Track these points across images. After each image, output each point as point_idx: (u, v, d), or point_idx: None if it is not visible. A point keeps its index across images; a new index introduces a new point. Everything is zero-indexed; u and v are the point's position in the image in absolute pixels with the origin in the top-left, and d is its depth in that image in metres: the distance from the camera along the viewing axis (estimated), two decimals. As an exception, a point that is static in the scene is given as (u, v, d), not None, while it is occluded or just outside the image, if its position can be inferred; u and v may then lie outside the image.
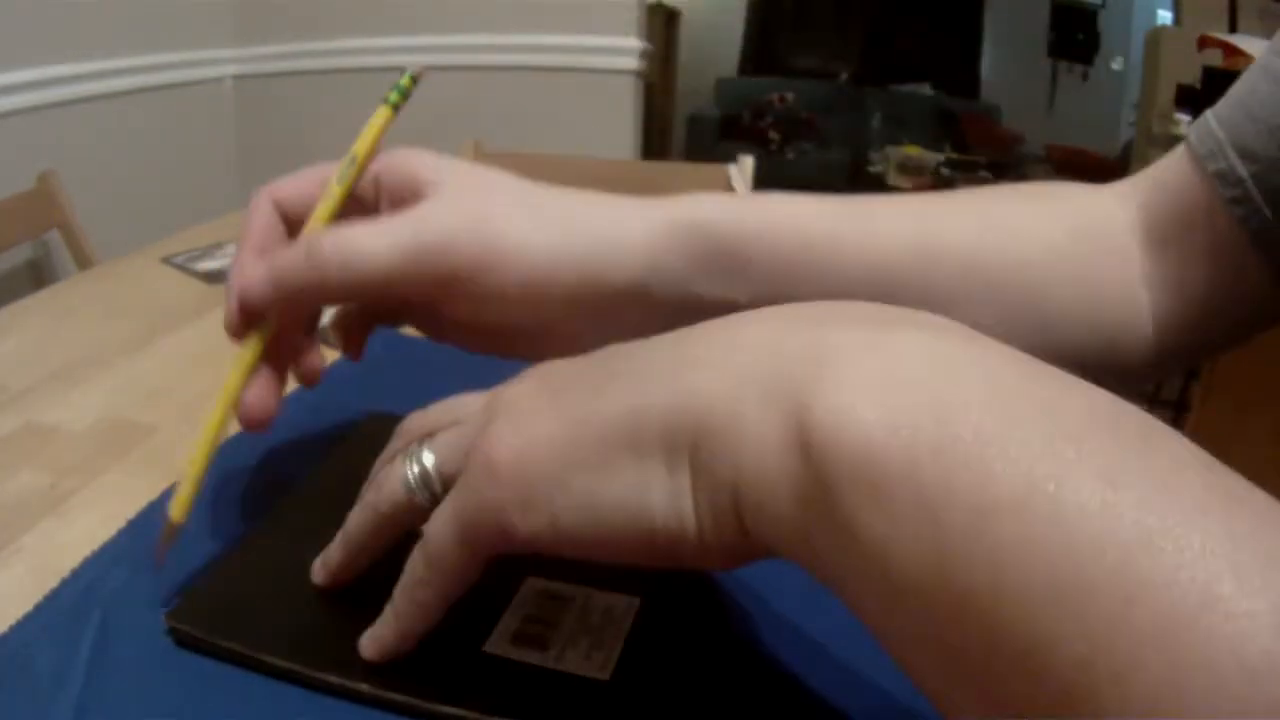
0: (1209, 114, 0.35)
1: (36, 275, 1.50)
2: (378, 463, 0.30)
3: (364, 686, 0.26)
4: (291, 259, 0.29)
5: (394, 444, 0.31)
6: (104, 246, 1.36)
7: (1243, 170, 0.33)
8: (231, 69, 1.96)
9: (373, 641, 0.27)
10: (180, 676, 0.27)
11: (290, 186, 0.32)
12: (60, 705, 0.25)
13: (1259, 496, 0.16)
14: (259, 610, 0.29)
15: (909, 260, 0.33)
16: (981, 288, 0.34)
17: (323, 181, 0.31)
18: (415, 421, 0.30)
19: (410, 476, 0.26)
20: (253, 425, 0.30)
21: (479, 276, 0.28)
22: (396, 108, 0.31)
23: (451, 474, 0.25)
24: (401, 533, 0.27)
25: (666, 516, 0.21)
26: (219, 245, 0.74)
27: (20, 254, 1.47)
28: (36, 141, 1.46)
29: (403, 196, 0.30)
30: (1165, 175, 0.36)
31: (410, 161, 0.31)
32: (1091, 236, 0.36)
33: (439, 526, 0.24)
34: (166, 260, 0.70)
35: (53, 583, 0.31)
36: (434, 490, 0.25)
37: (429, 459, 0.26)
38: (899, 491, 0.18)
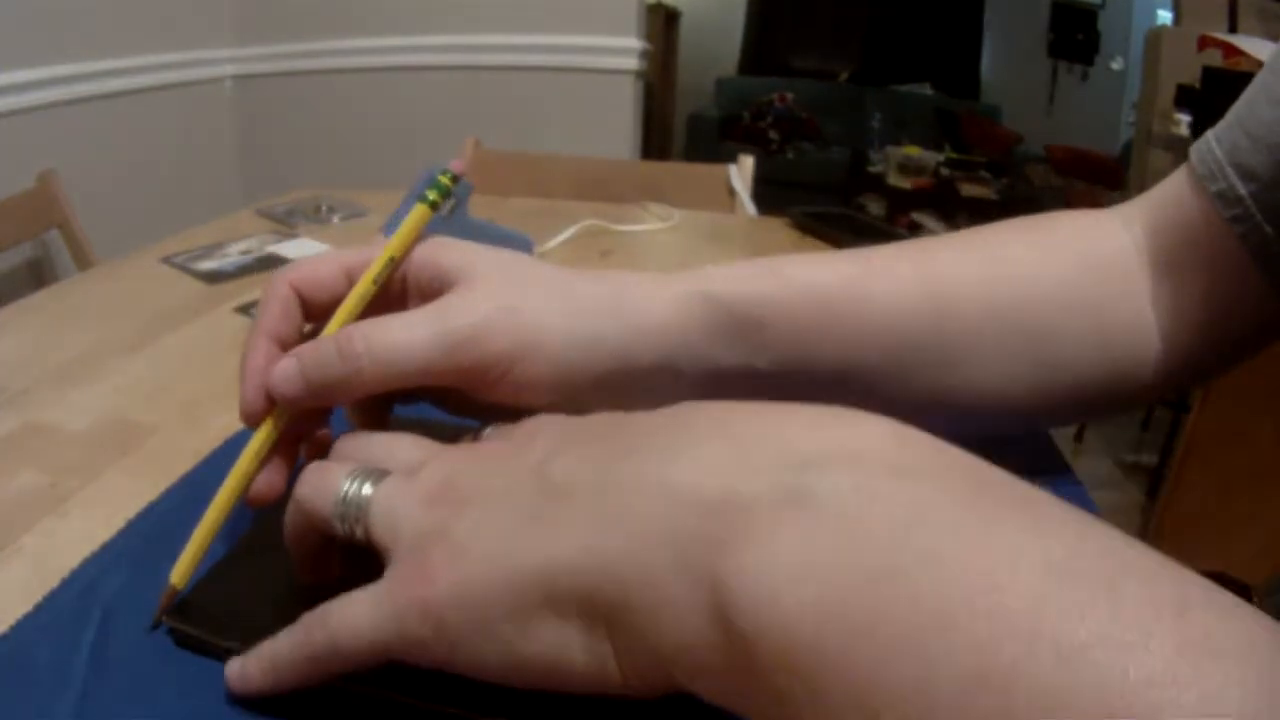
0: (1210, 135, 0.36)
1: (36, 275, 1.50)
2: (306, 470, 0.27)
3: (364, 686, 0.26)
4: (323, 354, 0.29)
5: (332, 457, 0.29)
6: (104, 246, 1.36)
7: (1242, 189, 0.33)
8: (231, 69, 1.96)
9: (240, 675, 0.25)
10: (179, 676, 0.27)
11: (309, 273, 0.31)
12: (60, 705, 0.25)
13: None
14: (258, 610, 0.29)
15: (924, 315, 0.34)
16: (994, 333, 0.35)
17: (343, 268, 0.31)
18: (356, 446, 0.28)
19: (343, 499, 0.25)
20: (259, 504, 0.30)
21: (512, 366, 0.29)
22: (434, 206, 0.31)
23: (378, 537, 0.24)
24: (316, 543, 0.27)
25: (588, 669, 0.21)
26: (219, 245, 0.74)
27: (20, 254, 1.47)
28: (36, 141, 1.46)
29: (431, 288, 0.31)
30: (1167, 196, 0.37)
31: (438, 253, 0.31)
32: (1098, 265, 0.37)
33: (356, 621, 0.23)
34: (166, 260, 0.70)
35: (53, 583, 0.31)
36: (354, 532, 0.25)
37: (366, 494, 0.25)
38: (833, 684, 0.17)
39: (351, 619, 0.23)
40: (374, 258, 0.30)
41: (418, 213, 0.31)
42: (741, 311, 0.32)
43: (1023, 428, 0.40)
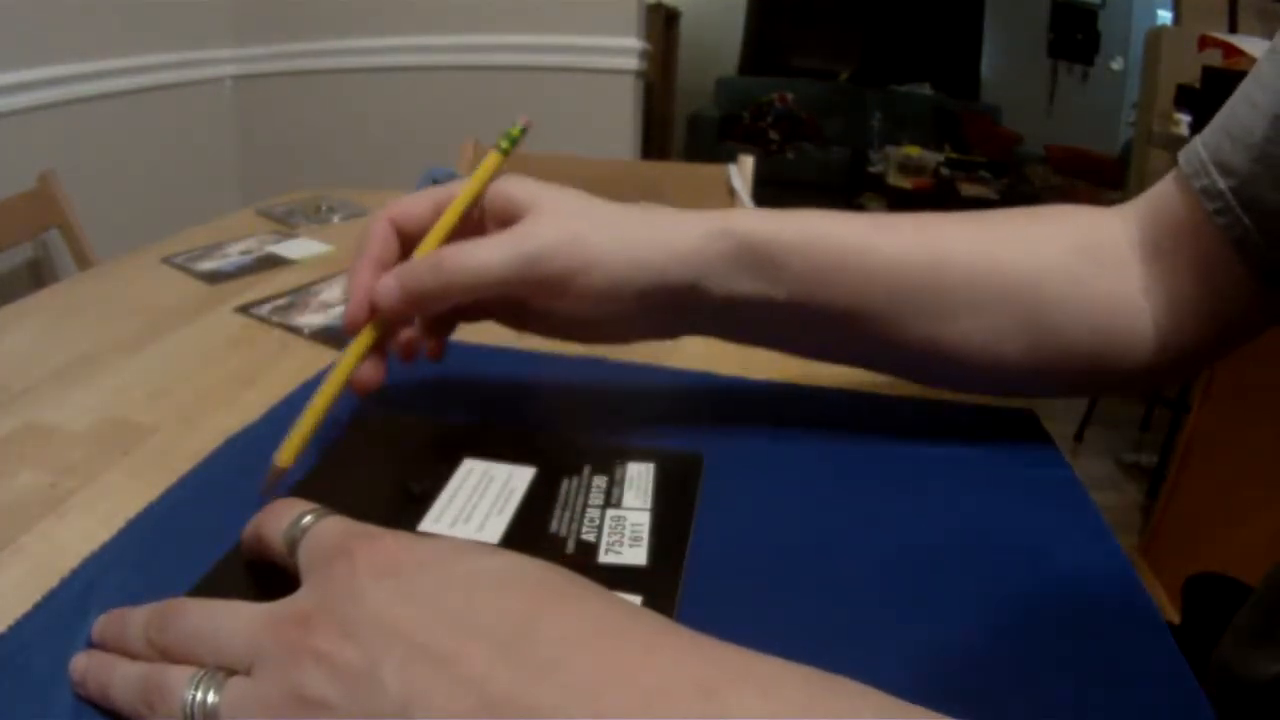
0: (1197, 138, 0.39)
1: (36, 275, 1.50)
2: (150, 671, 0.25)
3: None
4: (419, 271, 0.36)
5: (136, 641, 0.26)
6: (104, 246, 1.36)
7: (1223, 184, 0.37)
8: (231, 69, 1.96)
9: None
10: (180, 676, 0.27)
11: (405, 209, 0.38)
12: (60, 705, 0.26)
13: None
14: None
15: (923, 268, 0.39)
16: (988, 291, 0.39)
17: (434, 205, 0.38)
18: (196, 625, 0.25)
19: (190, 713, 0.23)
20: (363, 391, 0.37)
21: (574, 280, 0.36)
22: (506, 153, 0.39)
23: None
24: None
25: None
26: (219, 245, 0.74)
27: (20, 254, 1.47)
28: (36, 141, 1.46)
29: (506, 217, 0.37)
30: (1159, 195, 0.41)
31: (511, 188, 0.37)
32: (1095, 252, 0.40)
33: None
34: (166, 260, 0.70)
35: (52, 583, 0.31)
36: None
37: (212, 703, 0.23)
38: None
39: None
40: (457, 195, 0.37)
41: (492, 159, 0.38)
42: (761, 248, 0.38)
43: (1018, 393, 0.44)
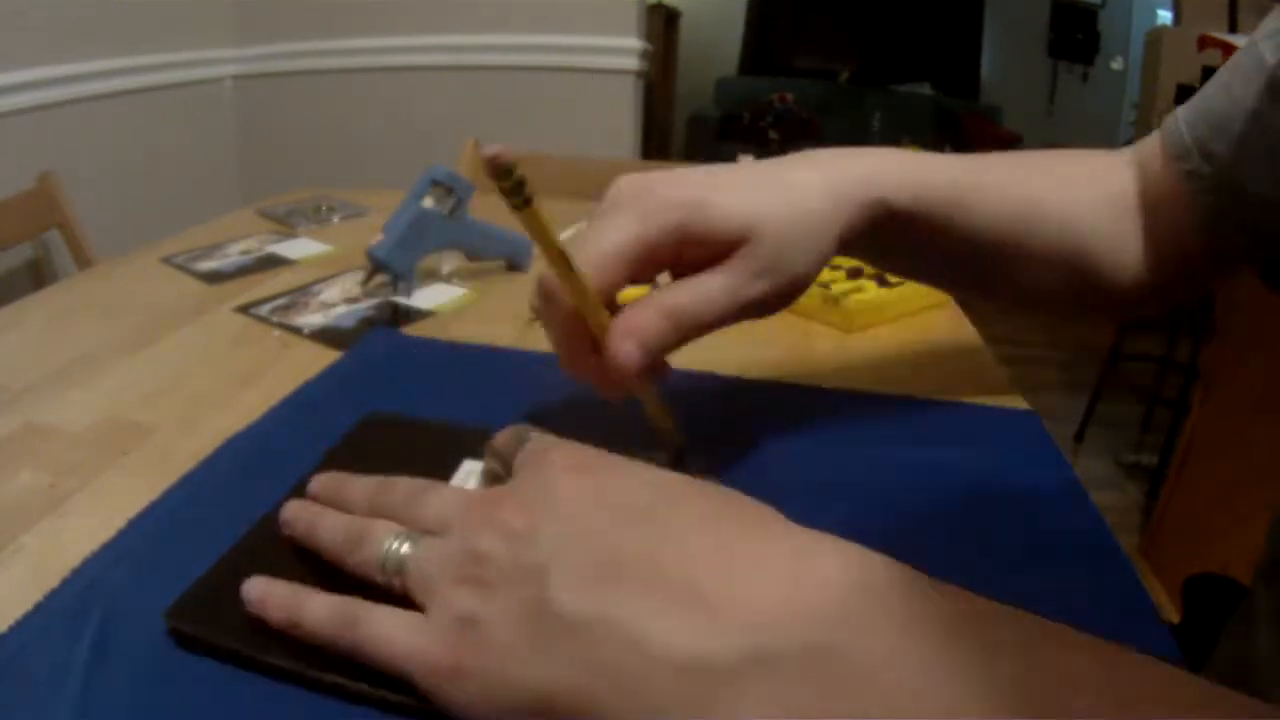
0: (1179, 115, 0.44)
1: (36, 275, 1.50)
2: (351, 523, 0.30)
3: (363, 686, 0.26)
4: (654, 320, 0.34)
5: (392, 495, 0.31)
6: (104, 246, 1.36)
7: (1207, 169, 0.41)
8: (231, 69, 1.96)
9: (259, 600, 0.28)
10: (180, 676, 0.27)
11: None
12: (60, 705, 0.26)
13: None
14: (259, 610, 0.29)
15: (1010, 233, 0.43)
16: (1071, 261, 0.44)
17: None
18: (395, 503, 0.31)
19: (384, 559, 0.28)
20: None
21: (771, 269, 0.37)
22: (527, 202, 0.31)
23: (412, 592, 0.27)
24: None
25: None
26: (219, 245, 0.74)
27: (20, 254, 1.47)
28: (36, 141, 1.46)
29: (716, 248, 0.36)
30: (1149, 156, 0.46)
31: (713, 222, 0.36)
32: (1118, 200, 0.46)
33: (391, 640, 0.26)
34: (166, 260, 0.70)
35: (52, 582, 0.31)
36: (392, 584, 0.28)
37: (404, 554, 0.28)
38: None
39: (389, 634, 0.26)
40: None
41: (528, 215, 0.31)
42: (897, 219, 0.40)
43: (1041, 309, 0.49)
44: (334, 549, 0.30)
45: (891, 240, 0.42)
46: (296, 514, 0.32)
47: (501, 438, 0.33)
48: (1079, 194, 0.45)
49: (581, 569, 0.24)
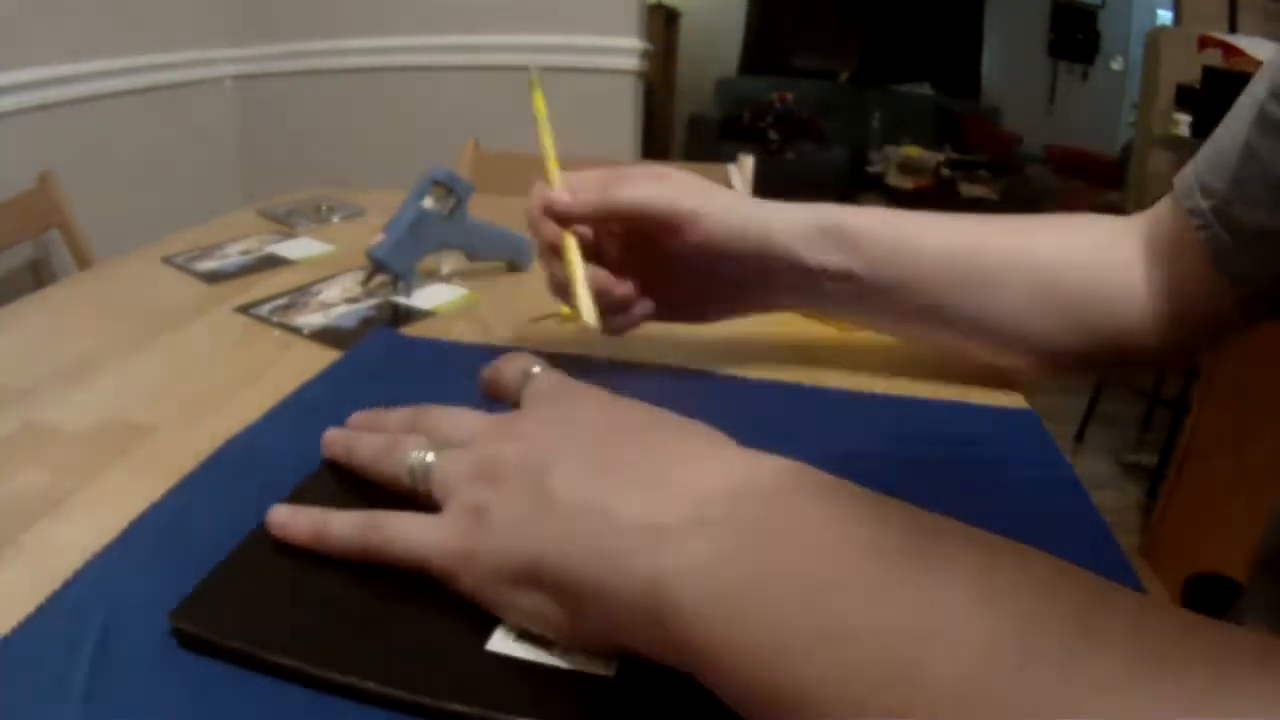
0: (1190, 162, 0.45)
1: (36, 275, 1.50)
2: (383, 439, 0.35)
3: (369, 684, 0.26)
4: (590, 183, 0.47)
5: (418, 418, 0.37)
6: (104, 246, 1.36)
7: (1204, 204, 0.43)
8: (231, 69, 1.96)
9: (283, 524, 0.32)
10: (184, 676, 0.27)
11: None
12: (64, 706, 0.26)
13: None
14: (262, 609, 0.29)
15: (968, 250, 0.47)
16: (1027, 280, 0.47)
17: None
18: (428, 421, 0.36)
19: (413, 465, 0.33)
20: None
21: (697, 220, 0.45)
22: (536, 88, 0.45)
23: (435, 493, 0.32)
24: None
25: (553, 623, 0.28)
26: (219, 245, 0.74)
27: (20, 254, 1.47)
28: (36, 141, 1.46)
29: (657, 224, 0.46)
30: (1160, 209, 0.48)
31: (649, 200, 0.46)
32: (1111, 252, 0.48)
33: (414, 535, 0.30)
34: (166, 260, 0.70)
35: (53, 583, 0.31)
36: (418, 488, 0.32)
37: (430, 461, 0.32)
38: (729, 639, 0.23)
39: (409, 531, 0.30)
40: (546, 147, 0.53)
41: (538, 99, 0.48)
42: (846, 228, 0.46)
43: (1045, 365, 0.49)
44: (369, 460, 0.35)
45: (848, 261, 0.47)
46: (335, 437, 0.37)
47: (509, 372, 0.39)
48: (1058, 240, 0.48)
49: (580, 469, 0.29)
